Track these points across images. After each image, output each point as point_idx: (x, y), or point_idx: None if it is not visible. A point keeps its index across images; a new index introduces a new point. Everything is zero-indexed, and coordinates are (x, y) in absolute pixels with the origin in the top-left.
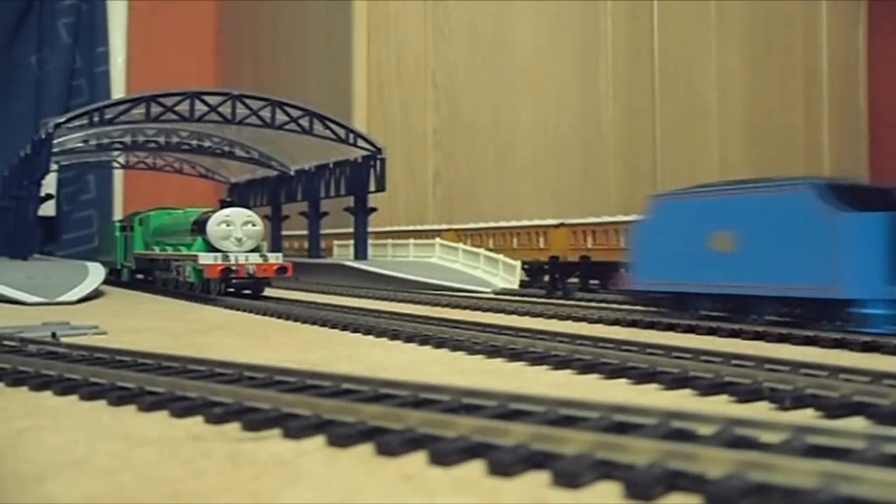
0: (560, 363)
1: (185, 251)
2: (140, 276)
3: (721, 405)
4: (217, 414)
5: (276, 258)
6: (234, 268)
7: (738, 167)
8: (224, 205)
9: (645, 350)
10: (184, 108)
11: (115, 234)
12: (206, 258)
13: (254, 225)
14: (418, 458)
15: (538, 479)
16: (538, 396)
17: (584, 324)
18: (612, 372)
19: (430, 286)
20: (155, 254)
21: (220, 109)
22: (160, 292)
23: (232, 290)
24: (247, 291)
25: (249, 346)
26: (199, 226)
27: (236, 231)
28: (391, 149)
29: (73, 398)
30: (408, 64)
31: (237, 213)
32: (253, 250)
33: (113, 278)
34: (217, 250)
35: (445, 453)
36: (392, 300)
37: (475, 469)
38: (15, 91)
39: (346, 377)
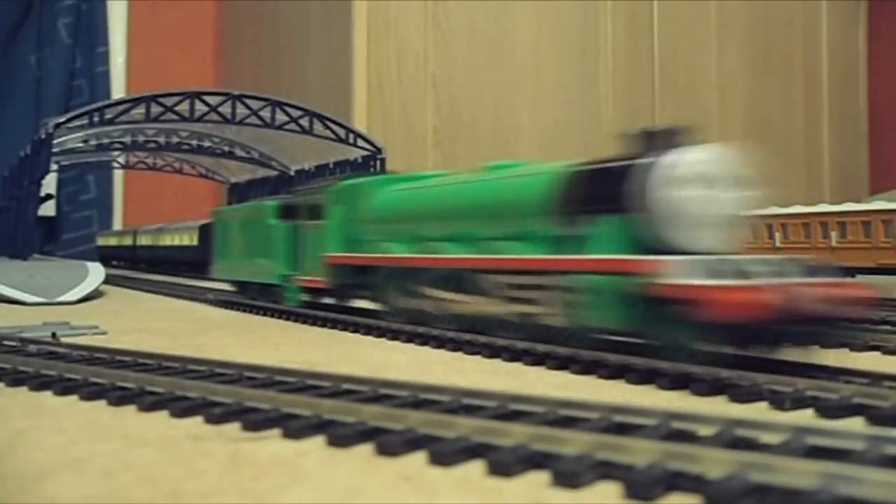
0: (560, 363)
1: (544, 253)
2: (333, 300)
3: (721, 406)
4: (217, 414)
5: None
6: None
7: None
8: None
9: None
10: (184, 108)
11: (269, 224)
12: (706, 273)
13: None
14: (418, 459)
15: (538, 480)
16: (538, 397)
17: None
18: (613, 372)
19: None
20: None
21: (220, 109)
22: (160, 292)
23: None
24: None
25: (249, 346)
26: (620, 187)
27: (719, 202)
28: (391, 149)
29: (73, 398)
30: (408, 64)
31: (716, 155)
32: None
33: (242, 299)
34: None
35: (445, 453)
36: None
37: (475, 469)
38: (15, 91)
39: (346, 377)
